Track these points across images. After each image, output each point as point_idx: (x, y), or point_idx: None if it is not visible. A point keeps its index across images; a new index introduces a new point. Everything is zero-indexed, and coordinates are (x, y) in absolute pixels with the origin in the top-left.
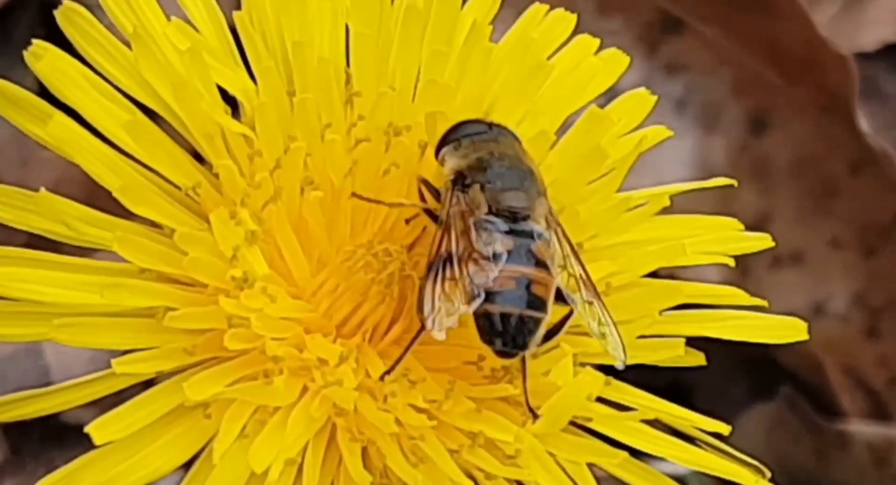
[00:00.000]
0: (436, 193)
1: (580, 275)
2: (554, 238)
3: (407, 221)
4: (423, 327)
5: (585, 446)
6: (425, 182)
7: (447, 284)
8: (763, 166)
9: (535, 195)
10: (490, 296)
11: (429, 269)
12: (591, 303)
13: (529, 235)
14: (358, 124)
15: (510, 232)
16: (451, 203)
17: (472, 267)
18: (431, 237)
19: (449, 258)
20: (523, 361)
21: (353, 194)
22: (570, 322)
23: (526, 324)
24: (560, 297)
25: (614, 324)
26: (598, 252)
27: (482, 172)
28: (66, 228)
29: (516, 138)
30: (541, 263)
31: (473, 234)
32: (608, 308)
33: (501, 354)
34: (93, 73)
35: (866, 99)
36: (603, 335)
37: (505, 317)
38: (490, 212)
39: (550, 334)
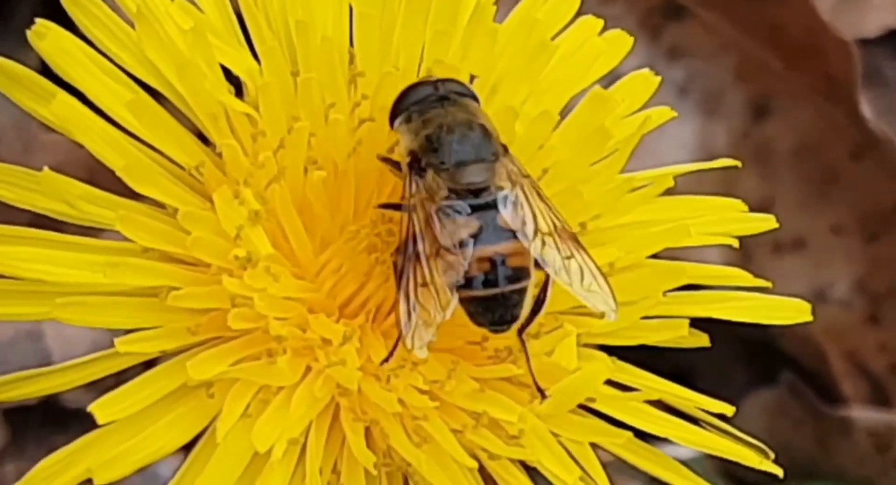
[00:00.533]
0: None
1: (553, 226)
2: (521, 196)
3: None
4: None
5: (589, 426)
6: (389, 160)
7: (420, 291)
8: (765, 152)
9: (493, 158)
10: (469, 282)
11: (399, 273)
12: (569, 257)
13: (494, 205)
14: (362, 104)
15: (473, 210)
16: (411, 191)
17: (441, 265)
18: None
19: (417, 257)
20: (523, 341)
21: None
22: (551, 285)
23: (510, 298)
24: (537, 263)
25: (600, 273)
26: (601, 233)
27: (434, 153)
28: (69, 207)
29: (468, 93)
30: (512, 234)
31: (437, 224)
32: (590, 254)
33: (495, 330)
34: (96, 53)
35: (868, 85)
36: (588, 291)
37: (489, 298)
38: (450, 193)
39: (538, 305)
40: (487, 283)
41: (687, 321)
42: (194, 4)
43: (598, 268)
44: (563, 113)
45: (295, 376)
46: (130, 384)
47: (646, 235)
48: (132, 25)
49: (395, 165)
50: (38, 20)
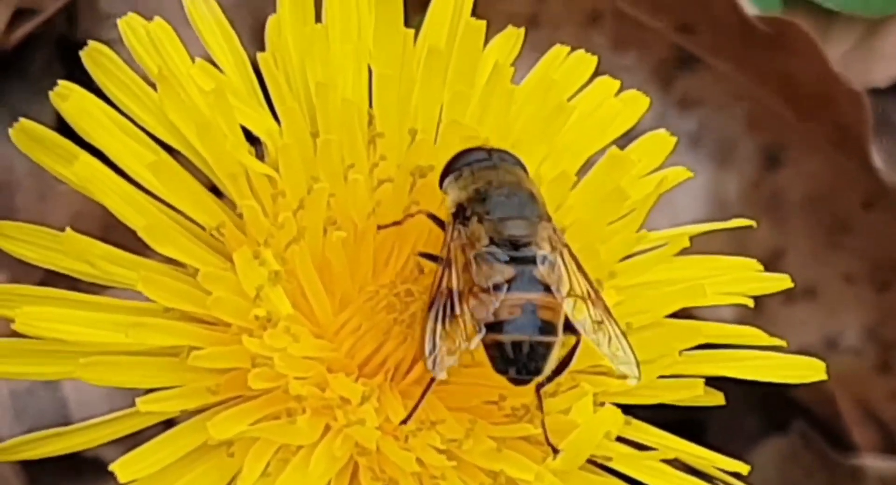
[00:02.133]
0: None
1: (587, 293)
2: (559, 260)
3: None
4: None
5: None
6: (433, 217)
7: (447, 322)
8: (777, 201)
9: (537, 220)
10: (497, 326)
11: (430, 307)
12: (600, 322)
13: (532, 260)
14: (380, 165)
15: (512, 260)
16: (452, 238)
17: (472, 302)
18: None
19: (450, 295)
20: (539, 396)
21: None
22: (579, 350)
23: (536, 349)
24: (568, 326)
25: (627, 343)
26: (618, 292)
27: (481, 203)
28: (89, 267)
29: (518, 163)
30: (546, 288)
31: (474, 267)
32: (618, 324)
33: (516, 381)
34: (117, 114)
35: (880, 134)
36: (614, 356)
37: (515, 345)
38: (491, 243)
39: (562, 366)
40: (514, 329)
41: (702, 381)
42: (215, 66)
43: (626, 338)
44: (580, 172)
45: (314, 435)
46: (151, 443)
47: (662, 295)
48: (153, 86)
49: (441, 223)
50: (61, 82)
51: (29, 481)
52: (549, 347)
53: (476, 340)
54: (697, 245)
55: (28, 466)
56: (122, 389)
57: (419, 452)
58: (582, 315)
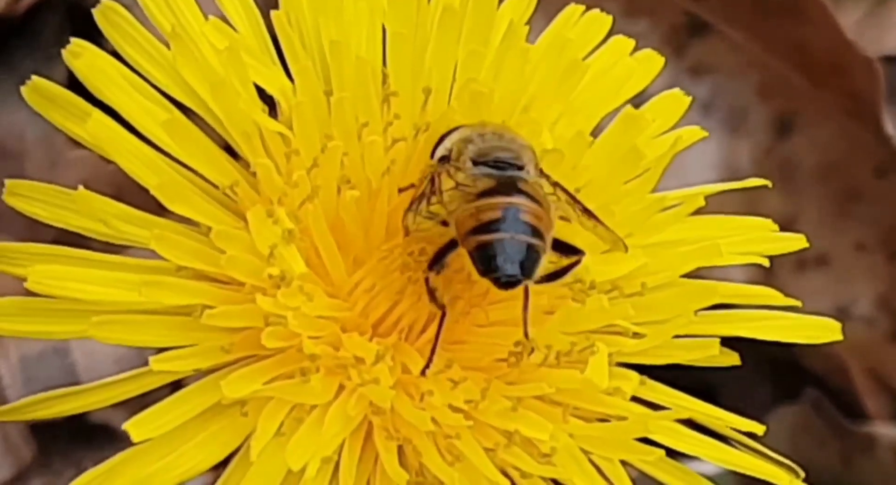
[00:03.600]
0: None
1: (571, 200)
2: (546, 183)
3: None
4: (444, 314)
5: (620, 443)
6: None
7: (433, 201)
8: (789, 169)
9: (522, 151)
10: (480, 228)
11: (410, 204)
12: (587, 219)
13: (518, 177)
14: (394, 123)
15: (497, 175)
16: (437, 169)
17: (454, 191)
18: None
19: (433, 193)
20: (526, 289)
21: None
22: (578, 266)
23: (521, 249)
24: (570, 248)
25: (613, 232)
26: (633, 252)
27: (467, 142)
28: (103, 226)
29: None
30: (531, 197)
31: (460, 182)
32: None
33: (504, 282)
34: (130, 72)
35: (892, 102)
36: (599, 236)
37: (499, 243)
38: (476, 164)
39: (555, 276)
40: (496, 229)
41: (718, 341)
42: (229, 24)
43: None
44: (593, 132)
45: (328, 394)
46: (164, 403)
47: (678, 255)
48: (166, 44)
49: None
50: (74, 40)
51: (39, 447)
52: (533, 248)
53: (456, 215)
54: (709, 211)
55: (38, 433)
56: (132, 354)
57: (434, 411)
58: (567, 210)
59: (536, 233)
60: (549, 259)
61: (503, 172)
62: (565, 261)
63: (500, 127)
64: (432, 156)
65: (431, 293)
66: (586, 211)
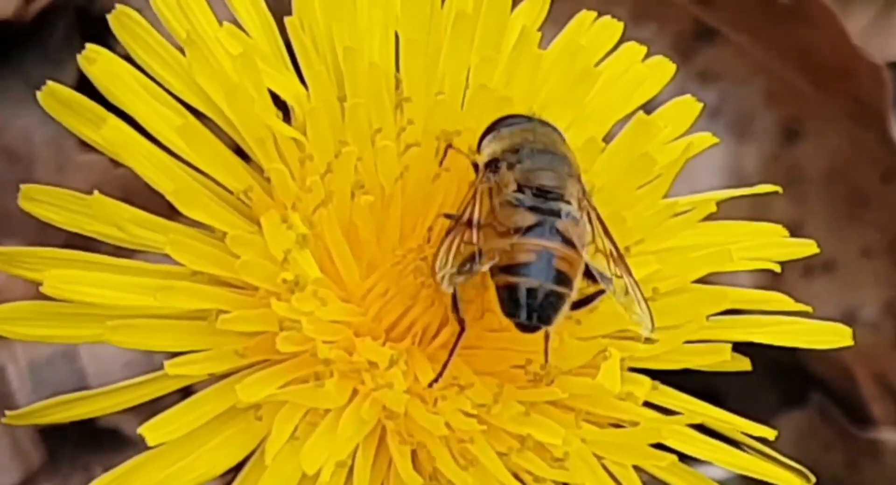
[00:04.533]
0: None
1: (610, 251)
2: (584, 218)
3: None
4: (462, 329)
5: (633, 449)
6: (475, 166)
7: (464, 246)
8: (796, 175)
9: (567, 177)
10: (511, 268)
11: (447, 233)
12: (619, 277)
13: (557, 213)
14: (408, 129)
15: (536, 209)
16: (480, 180)
17: (489, 232)
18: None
19: (469, 226)
20: (546, 333)
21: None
22: (601, 297)
23: (548, 298)
24: (589, 276)
25: (644, 300)
26: (644, 257)
27: (514, 154)
28: (117, 231)
29: (556, 131)
30: (566, 241)
31: (498, 210)
32: (639, 286)
33: (523, 327)
34: (145, 77)
35: None
36: (628, 307)
37: (527, 290)
38: (519, 189)
39: (578, 305)
40: (528, 272)
41: (729, 346)
42: (243, 30)
43: (643, 293)
44: (605, 138)
45: (342, 398)
46: (179, 407)
47: (689, 260)
48: (180, 50)
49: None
50: (89, 45)
51: (48, 453)
52: (561, 297)
53: (486, 265)
54: (718, 215)
55: (47, 438)
56: (141, 359)
57: (447, 416)
58: (601, 265)
59: (565, 280)
60: None
61: (544, 204)
62: (591, 289)
63: (553, 141)
64: (479, 145)
65: (455, 303)
66: (620, 257)
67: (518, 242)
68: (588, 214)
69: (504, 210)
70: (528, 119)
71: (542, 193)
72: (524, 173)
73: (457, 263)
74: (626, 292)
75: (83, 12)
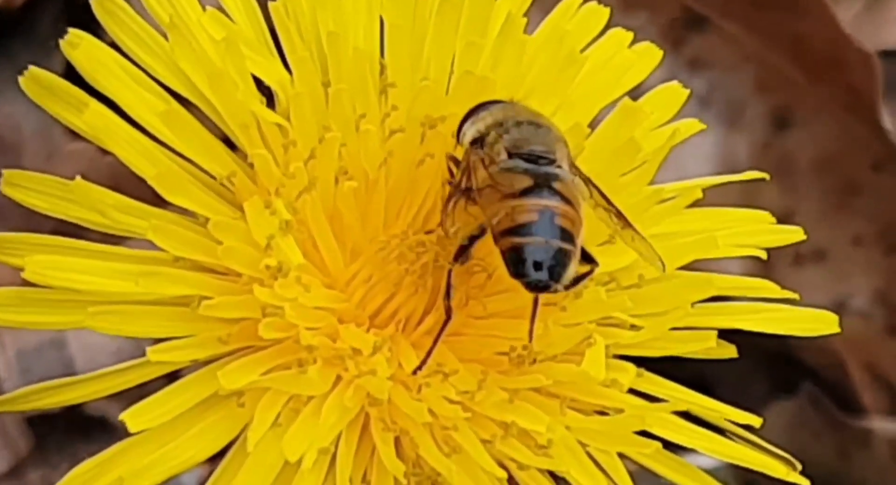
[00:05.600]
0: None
1: (607, 207)
2: (578, 179)
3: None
4: (448, 317)
5: (617, 436)
6: (454, 159)
7: (468, 205)
8: (786, 164)
9: (555, 142)
10: (515, 229)
11: (448, 200)
12: (623, 227)
13: (552, 175)
14: (392, 115)
15: (531, 172)
16: (471, 157)
17: (489, 189)
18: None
19: (469, 189)
20: (535, 301)
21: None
22: (591, 275)
23: (555, 255)
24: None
25: (649, 244)
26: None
27: (500, 127)
28: (100, 217)
29: (537, 111)
30: (565, 199)
31: (495, 175)
32: (639, 231)
33: (534, 286)
34: (128, 62)
35: (890, 96)
36: (640, 252)
37: (533, 247)
38: (510, 157)
39: (578, 279)
40: (531, 231)
41: (715, 333)
42: (226, 15)
43: (648, 242)
44: (591, 124)
45: (325, 385)
46: (161, 393)
47: (675, 247)
48: (164, 35)
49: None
50: (71, 30)
51: (36, 440)
52: (567, 254)
53: (494, 221)
54: (707, 203)
55: (35, 425)
56: (130, 347)
57: (431, 403)
58: (603, 218)
59: (569, 237)
60: None
61: (538, 168)
62: (581, 269)
63: (535, 115)
64: (459, 131)
65: (448, 290)
66: (620, 215)
67: (519, 204)
68: (579, 175)
69: (500, 176)
70: (506, 101)
71: (533, 158)
72: (513, 142)
73: (464, 216)
74: (633, 239)
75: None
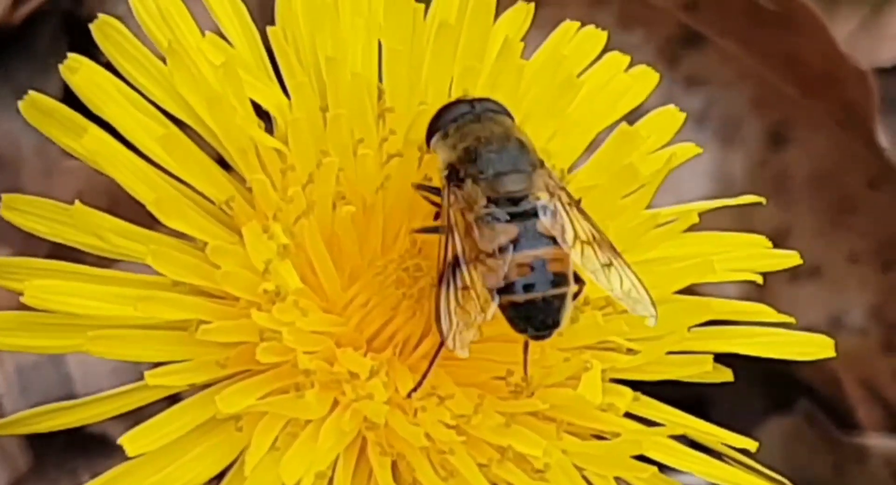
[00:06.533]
0: (437, 192)
1: (591, 235)
2: (559, 206)
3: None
4: (442, 342)
5: (614, 460)
6: (425, 187)
7: (460, 294)
8: (782, 180)
9: (531, 170)
10: (511, 287)
11: (440, 279)
12: (608, 264)
13: (533, 213)
14: (390, 139)
15: (513, 217)
16: (450, 202)
17: (481, 269)
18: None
19: (457, 264)
20: (525, 344)
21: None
22: (581, 295)
23: (552, 303)
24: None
25: (639, 280)
26: None
27: (472, 163)
28: (99, 241)
29: (502, 110)
30: (552, 240)
31: (476, 232)
32: (626, 262)
33: (537, 338)
34: (127, 87)
35: (885, 114)
36: (628, 296)
37: (530, 303)
38: (489, 202)
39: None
40: (528, 287)
41: (711, 357)
42: (225, 40)
43: (636, 275)
44: (589, 148)
45: (323, 409)
46: (159, 417)
47: (672, 271)
48: (162, 59)
49: (431, 190)
50: (71, 55)
51: (35, 458)
52: (563, 298)
53: (491, 311)
54: (704, 223)
55: (34, 443)
56: (127, 365)
57: (428, 427)
58: (590, 261)
59: (562, 280)
60: None
61: (519, 210)
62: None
63: (500, 122)
64: (428, 142)
65: (440, 283)
66: (603, 238)
67: (509, 261)
68: (560, 200)
69: (483, 231)
70: (470, 104)
71: (512, 199)
72: (490, 184)
73: (461, 319)
74: (622, 282)
75: (70, 17)
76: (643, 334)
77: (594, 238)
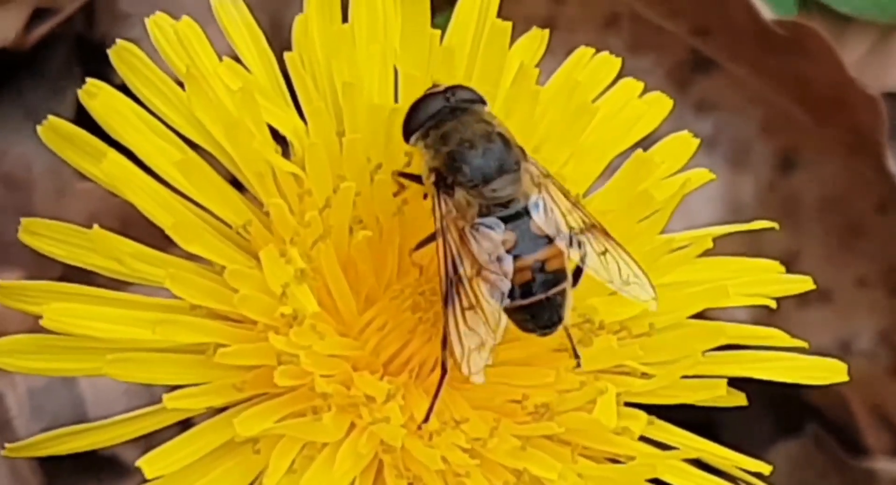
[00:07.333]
0: (417, 179)
1: (583, 222)
2: (548, 198)
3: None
4: (444, 371)
5: (628, 483)
6: (406, 175)
7: (467, 315)
8: (792, 205)
9: (516, 167)
10: (513, 293)
11: (444, 299)
12: (604, 252)
13: (526, 213)
14: (411, 164)
15: (506, 221)
16: (442, 213)
17: (484, 286)
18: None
19: (459, 281)
20: (568, 334)
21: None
22: (583, 276)
23: (553, 300)
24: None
25: (635, 263)
26: None
27: (459, 172)
28: (117, 264)
29: (476, 98)
30: (545, 238)
31: (472, 243)
32: (621, 245)
33: (543, 334)
34: (145, 112)
35: (894, 138)
36: (627, 283)
37: (535, 304)
38: (481, 210)
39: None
40: (530, 291)
41: (725, 381)
42: (242, 65)
43: (632, 257)
44: (602, 174)
45: (339, 432)
46: (177, 440)
47: (686, 296)
48: (180, 84)
49: (414, 178)
50: (90, 80)
51: (47, 479)
52: (563, 294)
53: (501, 332)
54: (715, 248)
55: (46, 464)
56: (139, 387)
57: (444, 450)
58: (589, 254)
59: (561, 276)
60: None
61: (511, 212)
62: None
63: (476, 115)
64: (406, 138)
65: (445, 342)
66: (593, 223)
67: (511, 269)
68: (547, 190)
69: (479, 240)
70: (444, 98)
71: (502, 203)
72: (480, 191)
73: (471, 342)
74: (620, 270)
75: (82, 40)
76: (658, 359)
77: (585, 224)
